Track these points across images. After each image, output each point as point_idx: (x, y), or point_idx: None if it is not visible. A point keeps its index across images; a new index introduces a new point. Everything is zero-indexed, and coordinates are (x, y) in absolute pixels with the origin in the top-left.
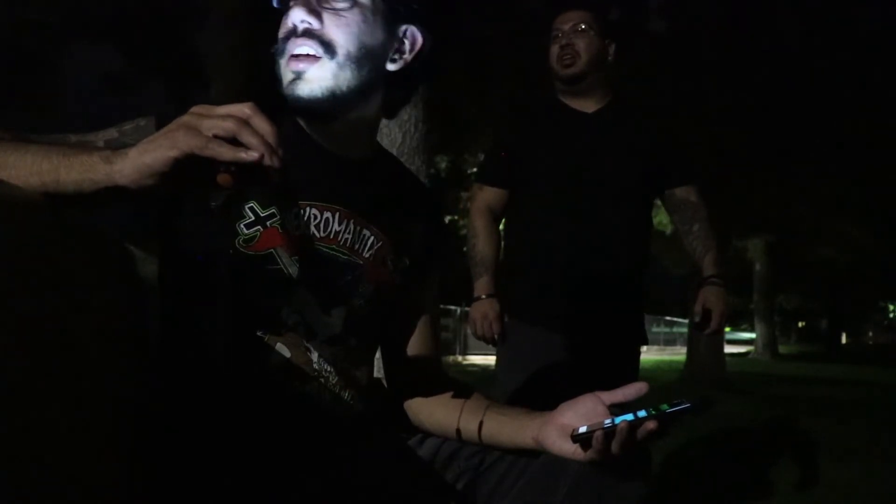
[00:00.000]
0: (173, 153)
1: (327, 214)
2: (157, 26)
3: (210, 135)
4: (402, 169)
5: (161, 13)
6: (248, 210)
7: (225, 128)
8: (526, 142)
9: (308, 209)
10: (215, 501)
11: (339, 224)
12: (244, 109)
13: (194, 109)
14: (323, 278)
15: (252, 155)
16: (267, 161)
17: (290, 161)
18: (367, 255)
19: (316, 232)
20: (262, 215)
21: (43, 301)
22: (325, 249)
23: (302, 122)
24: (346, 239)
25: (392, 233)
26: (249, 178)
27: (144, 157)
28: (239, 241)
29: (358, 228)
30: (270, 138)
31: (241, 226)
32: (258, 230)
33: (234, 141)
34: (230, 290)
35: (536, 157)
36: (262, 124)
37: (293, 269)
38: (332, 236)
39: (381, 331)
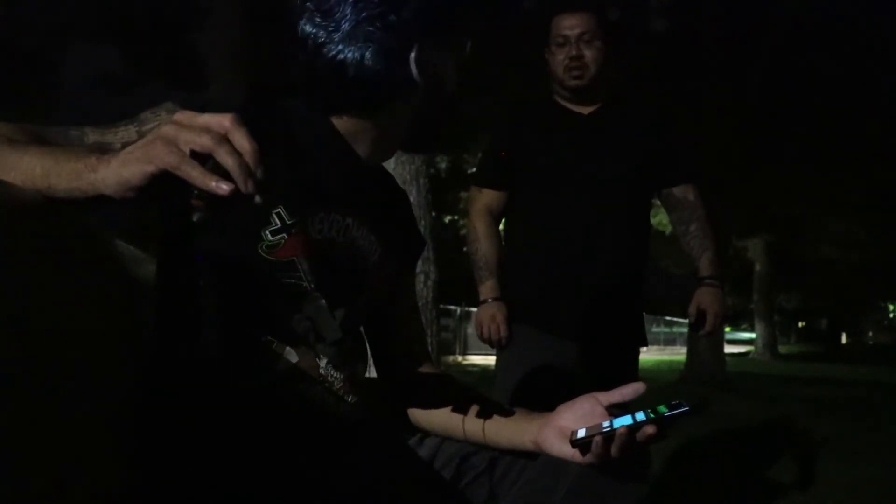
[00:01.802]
0: (150, 169)
1: (348, 220)
2: (157, 26)
3: (186, 150)
4: (384, 169)
5: (161, 13)
6: (274, 216)
7: (201, 144)
8: (523, 143)
9: (332, 214)
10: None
11: (357, 230)
12: (223, 122)
13: (177, 117)
14: (338, 286)
15: (221, 189)
16: (241, 188)
17: (321, 164)
18: (373, 261)
19: (336, 237)
20: (288, 223)
21: (41, 301)
22: (342, 256)
23: (337, 124)
24: (361, 245)
25: (386, 236)
26: (222, 205)
27: (123, 170)
28: (262, 246)
29: (369, 234)
30: (249, 157)
31: (267, 232)
32: (283, 237)
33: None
34: (247, 295)
35: (534, 159)
36: (242, 141)
37: (312, 279)
38: (349, 242)
39: (374, 332)
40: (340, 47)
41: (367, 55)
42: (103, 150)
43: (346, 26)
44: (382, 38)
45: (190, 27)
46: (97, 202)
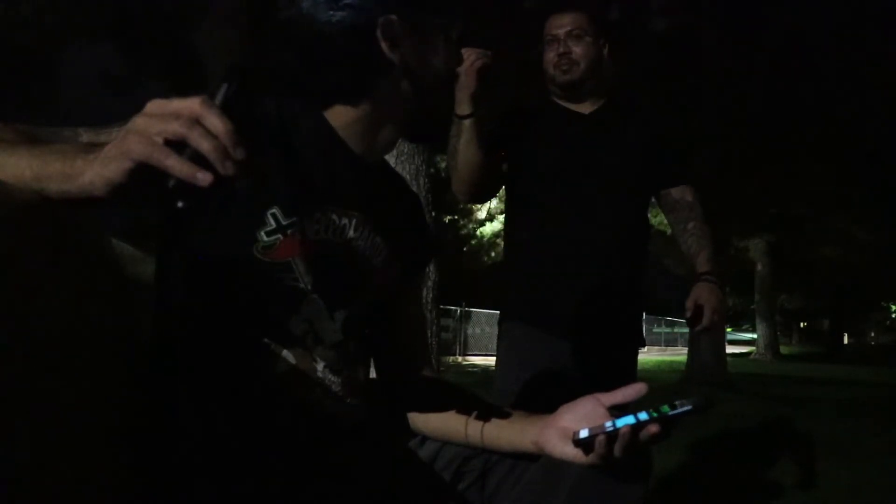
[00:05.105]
0: (127, 164)
1: (345, 220)
2: (157, 26)
3: (160, 140)
4: (393, 170)
5: (160, 13)
6: (269, 217)
7: (172, 131)
8: (523, 143)
9: (329, 214)
10: None
11: (355, 231)
12: (194, 107)
13: (148, 107)
14: (335, 288)
15: (196, 178)
16: (220, 170)
17: (316, 163)
18: (376, 262)
19: (333, 238)
20: (283, 223)
21: (38, 301)
22: (340, 257)
23: (329, 118)
24: (360, 245)
25: (392, 238)
26: (205, 191)
27: (104, 170)
28: (257, 247)
29: (371, 234)
30: (225, 138)
31: (262, 233)
32: (278, 238)
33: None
34: (242, 297)
35: (532, 158)
36: (215, 122)
37: (308, 280)
38: (347, 243)
39: (377, 335)
40: (305, 33)
41: (330, 36)
42: (94, 151)
43: (305, 10)
44: (342, 18)
45: (189, 27)
46: (92, 202)
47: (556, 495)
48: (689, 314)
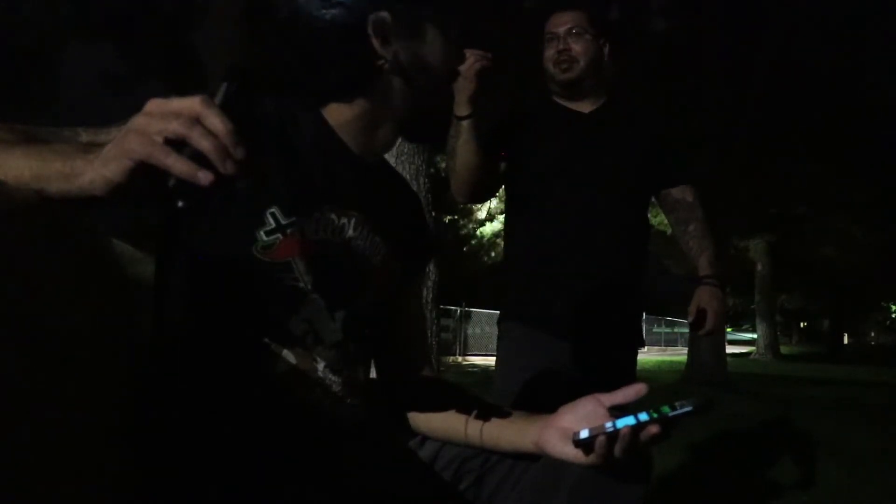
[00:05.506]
0: (127, 164)
1: (343, 220)
2: (157, 26)
3: (160, 139)
4: (393, 170)
5: (160, 13)
6: (269, 216)
7: (172, 130)
8: (523, 142)
9: (327, 214)
10: None
11: (354, 230)
12: (194, 106)
13: (148, 107)
14: (335, 287)
15: (197, 177)
16: (220, 169)
17: (315, 162)
18: (376, 262)
19: (332, 237)
20: (283, 223)
21: (36, 301)
22: (339, 257)
23: (327, 117)
24: (359, 245)
25: (391, 238)
26: (205, 190)
27: (104, 169)
28: (257, 247)
29: (370, 234)
30: (225, 137)
31: (261, 232)
32: (277, 238)
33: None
34: (242, 297)
35: (532, 158)
36: (216, 122)
37: (308, 279)
38: (346, 242)
39: (378, 335)
40: (300, 32)
41: (323, 34)
42: (93, 150)
43: (300, 9)
44: (334, 17)
45: (189, 27)
46: (91, 202)
47: (556, 496)
48: (691, 319)
